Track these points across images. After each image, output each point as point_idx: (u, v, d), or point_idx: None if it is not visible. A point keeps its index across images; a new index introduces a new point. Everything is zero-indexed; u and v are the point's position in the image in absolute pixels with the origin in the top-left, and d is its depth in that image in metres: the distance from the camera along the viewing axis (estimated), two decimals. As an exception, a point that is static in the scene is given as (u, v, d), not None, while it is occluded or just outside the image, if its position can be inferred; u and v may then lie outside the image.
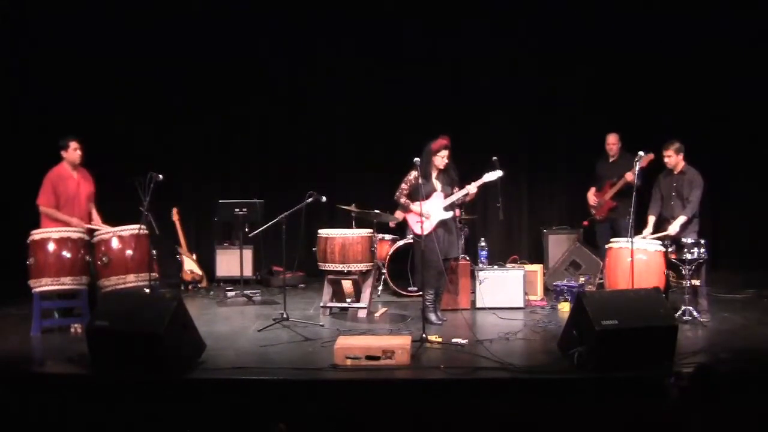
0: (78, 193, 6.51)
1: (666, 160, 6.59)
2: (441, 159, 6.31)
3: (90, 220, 6.61)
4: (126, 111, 8.68)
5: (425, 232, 6.14)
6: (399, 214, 7.36)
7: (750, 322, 6.33)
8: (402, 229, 8.20)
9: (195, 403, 4.53)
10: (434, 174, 6.39)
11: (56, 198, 6.38)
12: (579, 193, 8.15)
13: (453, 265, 6.77)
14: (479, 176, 6.36)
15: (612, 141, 7.69)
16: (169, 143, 8.86)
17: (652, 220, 6.69)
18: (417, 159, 5.96)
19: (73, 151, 6.48)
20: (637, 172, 6.28)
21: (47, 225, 6.33)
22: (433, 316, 6.32)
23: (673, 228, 6.44)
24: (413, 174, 6.14)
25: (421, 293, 6.45)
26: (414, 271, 7.02)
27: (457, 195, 6.31)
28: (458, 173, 6.45)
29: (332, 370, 4.78)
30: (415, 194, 6.16)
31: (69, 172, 6.50)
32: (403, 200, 6.38)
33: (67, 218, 6.38)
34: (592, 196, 7.79)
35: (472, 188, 6.28)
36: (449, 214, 6.34)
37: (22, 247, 6.14)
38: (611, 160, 7.72)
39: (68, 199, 6.45)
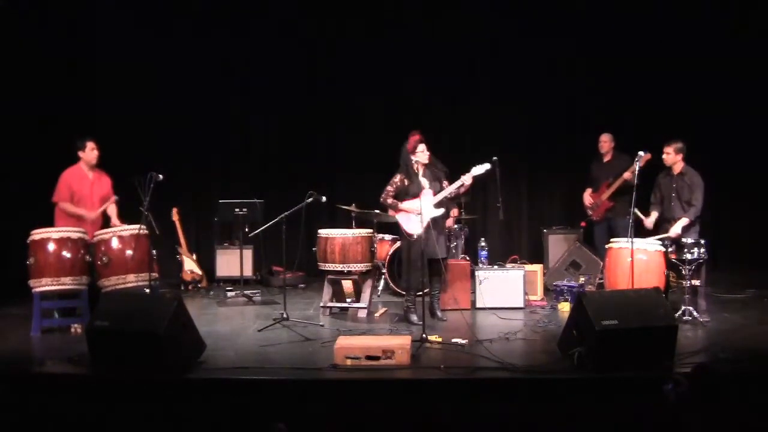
0: (92, 193, 6.65)
1: (664, 156, 6.59)
2: (422, 154, 6.30)
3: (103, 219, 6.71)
4: (126, 111, 8.67)
5: (420, 231, 6.12)
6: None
7: (750, 322, 6.33)
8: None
9: (195, 403, 4.53)
10: (420, 172, 6.37)
11: (70, 195, 6.53)
12: (579, 194, 8.14)
13: (449, 264, 6.74)
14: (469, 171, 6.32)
15: (604, 140, 7.72)
16: (169, 143, 8.85)
17: (654, 215, 6.69)
18: (417, 159, 5.96)
19: (90, 152, 6.62)
20: (636, 172, 6.27)
21: (62, 222, 6.43)
22: (413, 317, 6.30)
23: (675, 230, 6.44)
24: (398, 177, 6.16)
25: (419, 293, 6.44)
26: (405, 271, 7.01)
27: (450, 188, 6.29)
28: (445, 165, 6.43)
29: (332, 370, 4.78)
30: (402, 196, 6.18)
31: (84, 172, 6.65)
32: (390, 201, 6.38)
33: (83, 212, 6.52)
34: (588, 197, 7.80)
35: (466, 178, 6.24)
36: (440, 212, 6.33)
37: (22, 247, 6.14)
38: (605, 160, 7.75)
39: (82, 198, 6.59)
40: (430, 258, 6.23)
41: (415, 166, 6.32)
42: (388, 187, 6.36)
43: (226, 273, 8.69)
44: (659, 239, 6.45)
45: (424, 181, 6.35)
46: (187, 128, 9.06)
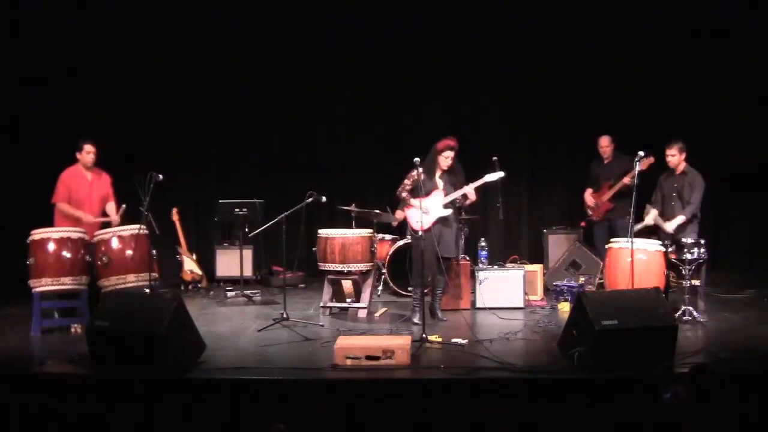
0: (90, 194, 6.66)
1: (669, 159, 6.58)
2: (445, 159, 6.31)
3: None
4: (126, 110, 8.66)
5: (423, 228, 6.14)
6: (399, 214, 7.36)
7: (750, 322, 6.32)
8: (403, 229, 8.20)
9: (195, 403, 4.53)
10: (438, 173, 6.40)
11: (69, 196, 6.53)
12: (579, 193, 8.15)
13: (453, 264, 6.76)
14: (479, 176, 6.36)
15: (604, 143, 7.71)
16: (169, 143, 8.84)
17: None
18: (417, 159, 5.97)
19: (86, 154, 6.63)
20: (636, 174, 6.27)
21: (61, 223, 6.44)
22: (416, 318, 6.29)
23: (671, 225, 6.44)
24: (416, 171, 6.16)
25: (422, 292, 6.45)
26: (411, 268, 7.03)
27: (456, 194, 6.31)
28: (464, 176, 6.45)
29: (332, 370, 4.77)
30: (417, 192, 6.19)
31: (82, 173, 6.66)
32: (404, 195, 6.40)
33: (81, 213, 6.52)
34: (589, 197, 7.80)
35: (469, 189, 6.28)
36: (448, 212, 6.34)
37: (22, 247, 6.14)
38: (606, 161, 7.75)
39: (79, 199, 6.60)
40: (434, 257, 6.22)
41: (436, 167, 6.33)
42: (406, 181, 6.38)
43: (226, 273, 8.70)
44: (656, 223, 6.47)
45: (439, 182, 6.38)
46: (187, 128, 9.06)
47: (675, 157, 6.55)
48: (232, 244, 8.83)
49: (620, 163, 7.40)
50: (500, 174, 6.32)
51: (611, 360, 4.60)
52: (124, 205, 6.69)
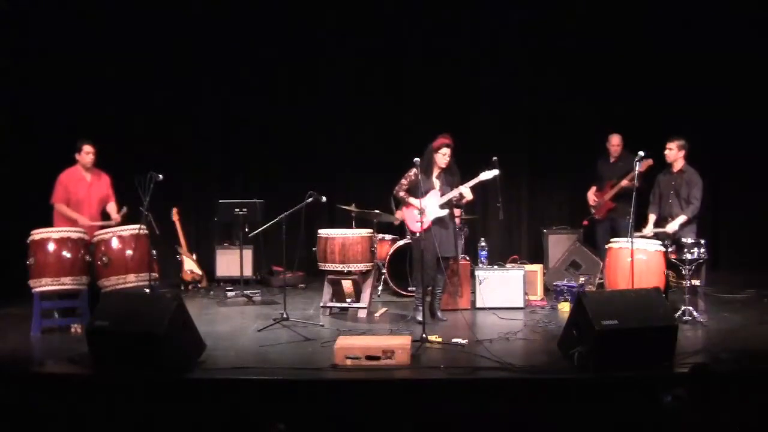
0: (89, 195, 6.66)
1: (666, 152, 6.59)
2: (443, 157, 6.31)
3: (101, 220, 6.69)
4: (126, 111, 8.66)
5: (422, 229, 6.14)
6: (399, 214, 7.37)
7: (750, 322, 6.32)
8: (403, 229, 8.20)
9: (195, 403, 4.53)
10: (435, 173, 6.40)
11: (67, 197, 6.53)
12: (579, 193, 8.14)
13: (452, 264, 6.77)
14: (476, 176, 6.36)
15: (615, 142, 7.72)
16: (169, 143, 8.84)
17: (652, 218, 6.70)
18: (417, 159, 5.97)
19: (85, 155, 6.63)
20: (636, 175, 6.27)
21: (60, 223, 6.44)
22: (419, 315, 6.29)
23: (672, 226, 6.44)
24: (413, 171, 6.17)
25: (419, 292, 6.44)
26: (411, 269, 7.04)
27: (451, 194, 6.31)
28: (460, 175, 6.45)
29: (332, 370, 4.78)
30: (414, 191, 6.19)
31: (81, 175, 6.66)
32: (402, 194, 6.40)
33: (77, 216, 6.50)
34: (592, 196, 7.81)
35: (464, 189, 6.28)
36: (445, 212, 6.34)
37: (22, 247, 6.14)
38: (612, 160, 7.75)
39: (78, 200, 6.60)
40: (434, 257, 6.22)
41: (434, 166, 6.33)
42: (403, 180, 6.38)
43: (226, 273, 8.69)
44: (655, 233, 6.47)
45: (436, 182, 6.39)
46: (187, 128, 9.06)
47: (672, 151, 6.55)
48: (232, 244, 8.83)
49: (626, 163, 7.38)
50: (495, 172, 6.30)
51: (611, 360, 4.60)
52: (125, 208, 6.69)
